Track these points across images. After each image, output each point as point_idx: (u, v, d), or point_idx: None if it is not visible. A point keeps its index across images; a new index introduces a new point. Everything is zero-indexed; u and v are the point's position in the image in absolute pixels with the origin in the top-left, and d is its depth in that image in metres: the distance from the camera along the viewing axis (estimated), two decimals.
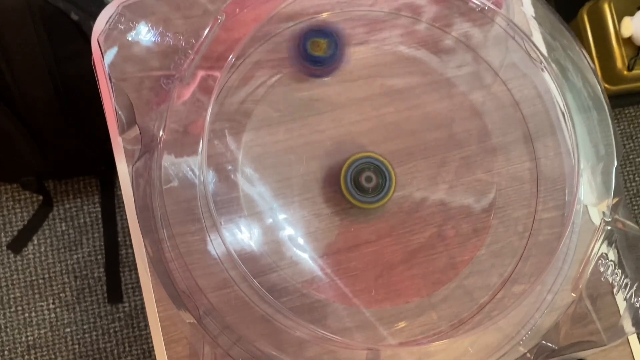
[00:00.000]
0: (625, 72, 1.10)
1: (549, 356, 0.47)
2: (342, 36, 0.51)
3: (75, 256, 1.13)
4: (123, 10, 0.47)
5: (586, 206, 0.52)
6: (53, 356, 1.10)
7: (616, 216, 0.50)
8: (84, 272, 1.12)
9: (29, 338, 1.10)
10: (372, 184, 0.49)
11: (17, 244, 1.12)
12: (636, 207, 1.28)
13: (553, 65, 0.52)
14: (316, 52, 0.50)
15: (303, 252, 0.49)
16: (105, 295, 1.12)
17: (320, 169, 0.51)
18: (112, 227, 1.13)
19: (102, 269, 1.13)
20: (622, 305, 0.51)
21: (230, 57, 0.48)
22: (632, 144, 1.29)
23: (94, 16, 0.90)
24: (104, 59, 0.47)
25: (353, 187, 0.49)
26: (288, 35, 0.51)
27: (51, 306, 1.11)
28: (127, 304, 1.12)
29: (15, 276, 1.11)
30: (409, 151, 0.52)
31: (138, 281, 1.13)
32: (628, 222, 0.50)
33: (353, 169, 0.49)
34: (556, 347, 0.48)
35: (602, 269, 0.49)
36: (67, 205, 1.14)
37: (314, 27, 0.51)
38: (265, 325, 0.47)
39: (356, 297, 0.49)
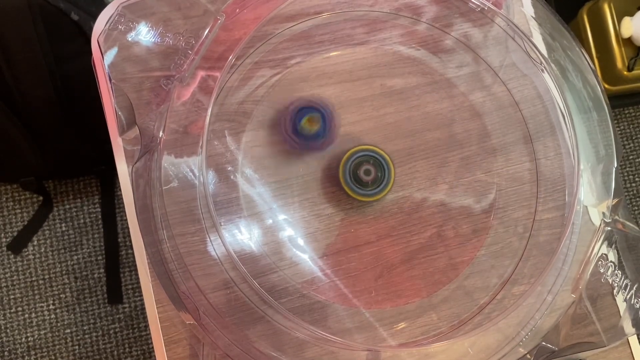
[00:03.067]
0: (625, 73, 1.10)
1: (549, 357, 0.47)
2: (330, 108, 0.51)
3: (75, 257, 1.13)
4: (123, 11, 0.47)
5: (586, 207, 0.52)
6: (53, 357, 1.10)
7: (616, 217, 0.50)
8: (84, 273, 1.12)
9: (29, 339, 1.10)
10: (370, 176, 0.49)
11: (17, 245, 1.12)
12: (636, 208, 1.28)
13: (553, 65, 0.52)
14: (310, 129, 0.50)
15: (303, 253, 0.49)
16: (106, 296, 1.12)
17: (320, 169, 0.51)
18: (112, 228, 1.13)
19: (102, 270, 1.13)
20: (622, 306, 0.51)
21: (230, 57, 0.48)
22: (632, 145, 1.29)
23: (94, 16, 0.90)
24: (104, 59, 0.47)
25: (352, 180, 0.49)
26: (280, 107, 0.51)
27: (51, 307, 1.11)
28: (127, 305, 1.12)
29: (15, 277, 1.11)
30: (409, 151, 0.52)
31: (138, 282, 1.13)
32: (628, 223, 0.50)
33: (352, 162, 0.49)
34: (556, 348, 0.48)
35: (602, 270, 0.49)
36: (67, 206, 1.14)
37: (302, 104, 0.50)
38: (265, 326, 0.47)
39: (356, 297, 0.49)
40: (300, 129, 0.49)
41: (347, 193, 0.50)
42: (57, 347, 1.10)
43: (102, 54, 0.47)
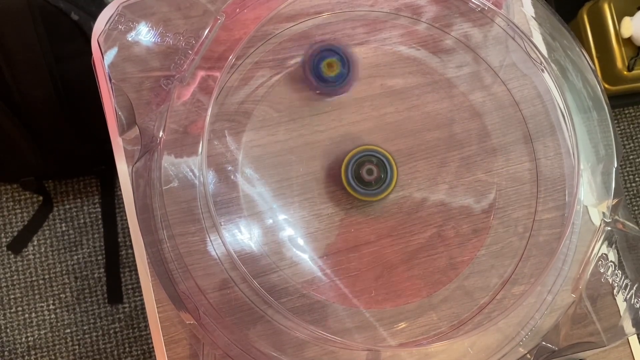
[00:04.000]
0: (625, 73, 1.10)
1: (549, 357, 0.47)
2: (350, 52, 0.51)
3: (75, 257, 1.13)
4: (123, 11, 0.47)
5: (586, 207, 0.52)
6: (53, 357, 1.10)
7: (616, 217, 0.50)
8: (84, 273, 1.12)
9: (29, 339, 1.10)
10: (373, 176, 0.49)
11: (17, 245, 1.12)
12: (636, 208, 1.28)
13: (553, 65, 0.52)
14: (330, 72, 0.50)
15: (303, 253, 0.49)
16: (106, 295, 1.12)
17: (320, 169, 0.51)
18: (112, 228, 1.13)
19: (102, 270, 1.13)
20: (622, 306, 0.51)
21: (230, 57, 0.48)
22: (632, 145, 1.29)
23: (94, 16, 0.90)
24: (104, 59, 0.47)
25: (354, 180, 0.49)
26: (296, 52, 0.51)
27: (51, 307, 1.11)
28: (127, 305, 1.12)
29: (15, 277, 1.11)
30: (409, 151, 0.52)
31: (138, 282, 1.13)
32: (628, 223, 0.50)
33: (354, 162, 0.49)
34: (556, 348, 0.48)
35: (602, 270, 0.49)
36: (67, 206, 1.14)
37: (323, 47, 0.51)
38: (265, 326, 0.47)
39: (356, 297, 0.49)
40: (322, 73, 0.50)
41: (348, 193, 0.50)
42: (57, 346, 1.10)
43: (102, 54, 0.47)
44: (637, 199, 1.28)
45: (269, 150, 0.51)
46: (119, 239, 1.13)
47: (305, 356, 0.48)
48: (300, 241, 0.50)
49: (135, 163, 0.47)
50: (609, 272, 0.49)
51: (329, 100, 0.52)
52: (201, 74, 0.49)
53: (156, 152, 0.47)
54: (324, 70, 0.50)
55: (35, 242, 1.13)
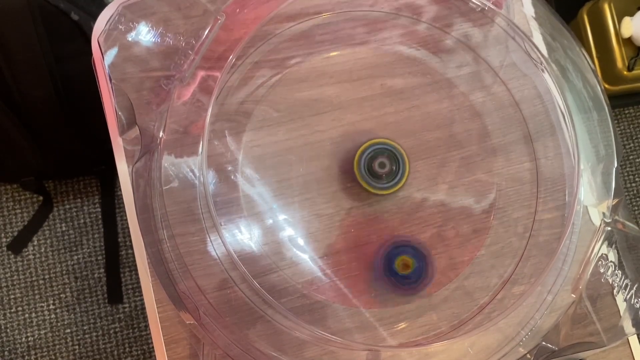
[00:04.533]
0: (625, 73, 1.10)
1: (549, 357, 0.47)
2: (426, 249, 0.50)
3: (75, 257, 1.13)
4: (123, 11, 0.47)
5: (586, 207, 0.52)
6: (53, 357, 1.10)
7: (616, 217, 0.50)
8: (84, 273, 1.12)
9: (29, 339, 1.10)
10: (385, 169, 0.49)
11: (17, 245, 1.12)
12: (636, 208, 1.28)
13: (553, 65, 0.52)
14: (405, 270, 0.49)
15: (303, 253, 0.49)
16: (106, 295, 1.12)
17: (320, 169, 0.51)
18: (112, 228, 1.13)
19: (102, 270, 1.13)
20: (622, 306, 0.51)
21: (231, 57, 0.48)
22: (632, 145, 1.29)
23: (94, 16, 0.90)
24: (104, 60, 0.47)
25: (367, 173, 0.49)
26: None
27: (51, 307, 1.11)
28: (127, 305, 1.12)
29: (15, 277, 1.11)
30: (409, 151, 0.52)
31: (138, 282, 1.13)
32: (628, 223, 0.50)
33: (366, 155, 0.49)
34: (556, 348, 0.48)
35: (602, 270, 0.49)
36: (67, 206, 1.14)
37: (397, 243, 0.50)
38: (265, 326, 0.47)
39: (356, 297, 0.49)
40: (395, 269, 0.49)
41: (348, 192, 0.50)
42: (57, 346, 1.10)
43: (102, 54, 0.47)
44: (637, 199, 1.28)
45: (269, 150, 0.51)
46: (119, 239, 1.13)
47: (305, 356, 0.48)
48: (300, 241, 0.50)
49: (135, 163, 0.46)
50: (609, 272, 0.49)
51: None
52: (201, 74, 0.49)
53: (156, 152, 0.47)
54: (398, 268, 0.49)
55: (35, 242, 1.13)
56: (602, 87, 0.52)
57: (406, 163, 0.50)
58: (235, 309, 0.47)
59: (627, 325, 0.49)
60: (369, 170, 0.49)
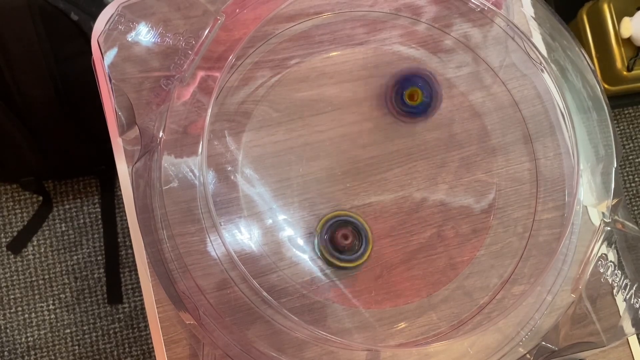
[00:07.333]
0: (625, 73, 1.10)
1: (549, 357, 0.47)
2: (434, 78, 0.52)
3: (75, 257, 1.13)
4: (123, 11, 0.47)
5: (586, 207, 0.52)
6: (53, 357, 1.10)
7: (616, 217, 0.50)
8: (84, 273, 1.12)
9: (29, 339, 1.10)
10: (348, 241, 0.49)
11: (17, 245, 1.12)
12: (636, 208, 1.28)
13: (553, 65, 0.52)
14: (414, 101, 0.50)
15: (303, 253, 0.49)
16: (105, 296, 1.12)
17: (320, 169, 0.51)
18: (112, 228, 1.13)
19: (102, 270, 1.13)
20: (621, 306, 0.51)
21: (230, 57, 0.48)
22: (631, 145, 1.29)
23: (94, 16, 0.90)
24: (103, 60, 0.47)
25: (331, 246, 0.49)
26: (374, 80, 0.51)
27: (51, 307, 1.11)
28: (127, 305, 1.12)
29: (15, 277, 1.11)
30: (409, 151, 0.52)
31: (138, 282, 1.13)
32: (628, 223, 0.50)
33: (327, 228, 0.49)
34: (556, 348, 0.48)
35: (601, 270, 0.49)
36: (67, 206, 1.14)
37: (405, 73, 0.51)
38: (264, 326, 0.47)
39: (356, 297, 0.49)
40: (404, 102, 0.50)
41: (348, 192, 0.50)
42: (57, 347, 1.10)
43: (102, 54, 0.47)
44: (637, 199, 1.28)
45: (268, 150, 0.51)
46: (119, 239, 1.13)
47: (305, 356, 0.48)
48: (300, 241, 0.50)
49: (135, 163, 0.47)
50: (609, 272, 0.49)
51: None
52: (201, 74, 0.49)
53: (156, 152, 0.47)
54: (407, 99, 0.51)
55: (35, 242, 1.13)
56: (602, 88, 0.52)
57: (368, 232, 0.50)
58: (235, 309, 0.47)
59: (627, 325, 0.49)
60: (333, 243, 0.49)
